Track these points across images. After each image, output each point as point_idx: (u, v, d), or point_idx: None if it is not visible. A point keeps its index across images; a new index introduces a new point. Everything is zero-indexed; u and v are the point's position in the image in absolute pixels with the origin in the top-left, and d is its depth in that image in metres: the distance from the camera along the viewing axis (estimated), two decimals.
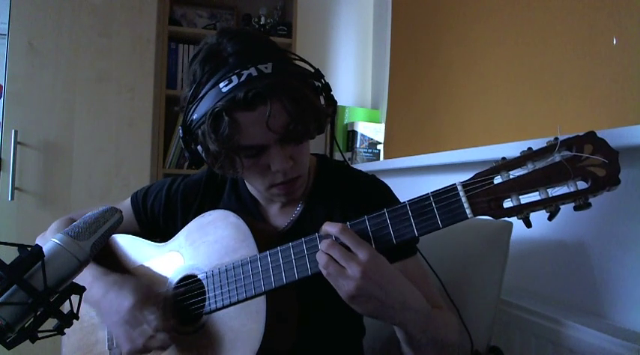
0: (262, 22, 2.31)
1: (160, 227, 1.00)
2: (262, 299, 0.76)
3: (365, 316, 0.69)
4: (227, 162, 0.78)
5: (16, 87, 1.83)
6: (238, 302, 0.78)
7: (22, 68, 1.84)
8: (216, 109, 0.71)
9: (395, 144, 2.23)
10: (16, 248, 0.55)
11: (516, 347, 1.12)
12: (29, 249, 0.55)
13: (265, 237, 0.82)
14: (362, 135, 2.25)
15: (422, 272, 0.87)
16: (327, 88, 0.82)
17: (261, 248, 0.78)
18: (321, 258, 0.67)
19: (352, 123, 2.26)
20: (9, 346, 0.53)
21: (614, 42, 1.07)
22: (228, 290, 0.79)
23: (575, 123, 1.18)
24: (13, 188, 1.80)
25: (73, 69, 1.89)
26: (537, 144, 1.11)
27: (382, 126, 2.30)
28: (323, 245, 0.67)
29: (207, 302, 0.82)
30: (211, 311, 0.81)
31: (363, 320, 1.00)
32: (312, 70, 0.81)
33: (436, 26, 1.92)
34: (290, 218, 0.91)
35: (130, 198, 1.03)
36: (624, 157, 0.60)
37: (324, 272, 0.67)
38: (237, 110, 0.72)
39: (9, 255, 0.54)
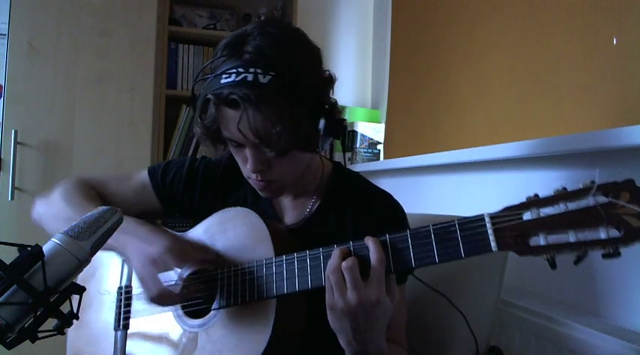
0: None
1: (177, 198, 1.01)
2: (272, 302, 0.76)
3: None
4: (207, 143, 0.84)
5: (16, 87, 1.83)
6: (248, 302, 0.78)
7: (22, 68, 1.83)
8: (207, 97, 0.76)
9: (395, 144, 2.23)
10: (16, 248, 0.55)
11: (516, 347, 1.12)
12: (29, 249, 0.55)
13: (282, 238, 0.83)
14: (362, 135, 2.25)
15: (400, 303, 0.88)
16: (330, 113, 0.80)
17: (277, 250, 0.78)
18: (331, 264, 0.69)
19: (352, 123, 2.25)
20: (9, 346, 0.53)
21: (614, 42, 1.07)
22: (240, 289, 0.79)
23: (575, 123, 1.18)
24: (13, 188, 1.80)
25: (73, 69, 1.89)
26: (539, 144, 1.11)
27: (382, 126, 2.30)
28: (346, 263, 0.68)
29: (217, 298, 0.82)
30: (220, 307, 0.81)
31: None
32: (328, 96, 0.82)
33: (436, 26, 1.92)
34: (302, 215, 0.93)
35: (146, 172, 1.03)
36: (624, 157, 0.59)
37: (328, 274, 0.69)
38: (222, 104, 0.75)
39: (9, 255, 0.54)
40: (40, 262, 0.54)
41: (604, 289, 1.04)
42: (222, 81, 0.74)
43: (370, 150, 2.26)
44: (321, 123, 0.78)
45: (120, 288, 0.94)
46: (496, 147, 1.29)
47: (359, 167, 2.16)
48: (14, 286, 0.53)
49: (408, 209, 0.93)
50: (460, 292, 1.03)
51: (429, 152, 1.75)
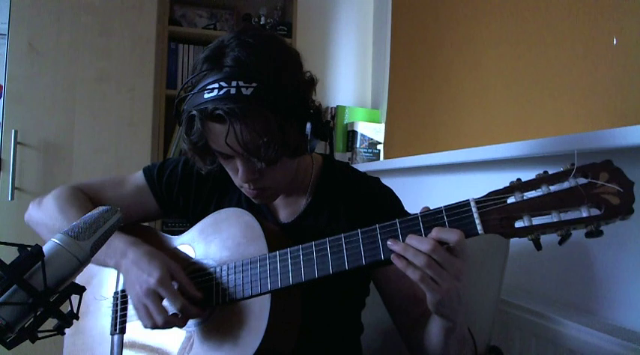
0: (262, 22, 2.31)
1: (173, 197, 1.01)
2: (267, 298, 0.77)
3: (435, 311, 0.70)
4: (196, 158, 0.85)
5: (16, 87, 1.83)
6: (244, 298, 0.79)
7: (22, 68, 1.83)
8: (191, 113, 0.76)
9: (395, 144, 2.23)
10: (16, 248, 0.55)
11: (516, 347, 1.12)
12: (29, 249, 0.55)
13: (275, 236, 0.84)
14: (362, 135, 2.25)
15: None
16: (316, 116, 0.80)
17: (271, 247, 0.79)
18: (420, 259, 0.64)
19: (352, 123, 2.25)
20: (9, 346, 0.53)
21: (614, 42, 1.07)
22: (235, 286, 0.80)
23: (575, 123, 1.18)
24: (13, 188, 1.80)
25: (73, 69, 1.89)
26: (539, 144, 1.11)
27: (382, 126, 2.30)
28: (427, 246, 0.64)
29: (213, 296, 0.82)
30: (216, 305, 0.82)
31: (361, 319, 1.00)
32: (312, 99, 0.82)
33: (436, 26, 1.92)
34: (295, 212, 0.94)
35: (142, 172, 1.02)
36: (624, 157, 0.60)
37: (418, 274, 0.64)
38: (208, 120, 0.75)
39: (9, 255, 0.54)
40: (40, 262, 0.54)
41: (603, 289, 1.04)
42: (206, 96, 0.73)
43: (370, 150, 2.26)
44: (308, 127, 0.78)
45: (116, 293, 0.94)
46: (496, 147, 1.29)
47: (359, 167, 2.16)
48: (14, 286, 0.53)
49: (408, 209, 0.93)
50: None
51: (429, 152, 1.75)
